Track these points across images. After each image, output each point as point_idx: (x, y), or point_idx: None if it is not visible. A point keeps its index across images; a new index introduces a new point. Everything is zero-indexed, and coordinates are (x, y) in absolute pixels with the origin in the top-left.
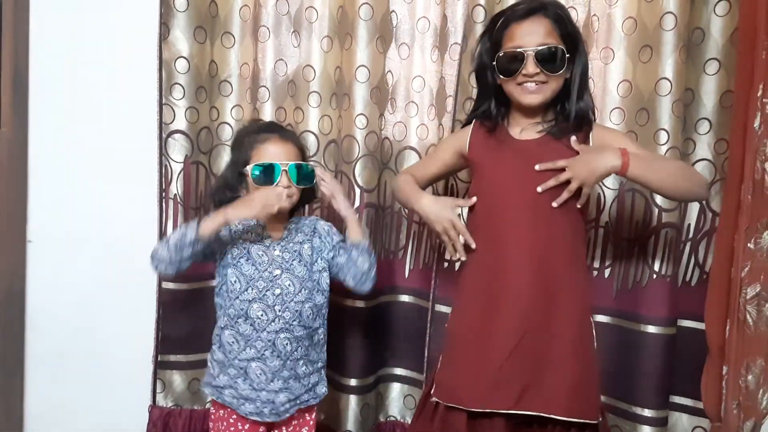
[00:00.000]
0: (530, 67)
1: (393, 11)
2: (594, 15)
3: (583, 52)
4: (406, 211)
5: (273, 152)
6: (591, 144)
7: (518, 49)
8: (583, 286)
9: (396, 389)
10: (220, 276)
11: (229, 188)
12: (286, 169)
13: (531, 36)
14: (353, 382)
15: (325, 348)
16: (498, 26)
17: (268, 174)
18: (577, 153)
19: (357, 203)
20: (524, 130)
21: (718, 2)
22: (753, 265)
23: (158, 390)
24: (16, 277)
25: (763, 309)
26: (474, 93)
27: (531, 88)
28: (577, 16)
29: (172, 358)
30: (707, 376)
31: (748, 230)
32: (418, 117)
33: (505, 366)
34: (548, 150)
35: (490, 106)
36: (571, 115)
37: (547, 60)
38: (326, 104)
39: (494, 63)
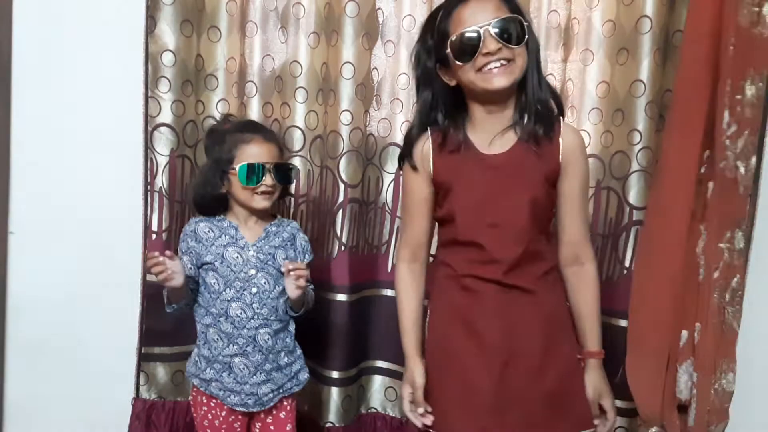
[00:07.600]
0: (490, 43)
1: (379, 8)
2: (574, 18)
3: (532, 32)
4: (390, 206)
5: (258, 152)
6: (561, 147)
7: (471, 27)
8: (557, 295)
9: (378, 381)
10: (200, 278)
11: (211, 186)
12: (270, 168)
13: (482, 13)
14: (335, 374)
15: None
16: (440, 19)
17: (254, 173)
18: (552, 160)
19: (341, 198)
20: (492, 143)
21: None
22: (724, 266)
23: (141, 382)
24: None
25: (739, 308)
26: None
27: (496, 70)
28: (559, 19)
29: (156, 350)
30: (639, 379)
31: (718, 230)
32: (403, 114)
33: (493, 393)
34: (521, 164)
35: (436, 116)
36: (532, 106)
37: (506, 33)
38: (312, 100)
39: (447, 52)
